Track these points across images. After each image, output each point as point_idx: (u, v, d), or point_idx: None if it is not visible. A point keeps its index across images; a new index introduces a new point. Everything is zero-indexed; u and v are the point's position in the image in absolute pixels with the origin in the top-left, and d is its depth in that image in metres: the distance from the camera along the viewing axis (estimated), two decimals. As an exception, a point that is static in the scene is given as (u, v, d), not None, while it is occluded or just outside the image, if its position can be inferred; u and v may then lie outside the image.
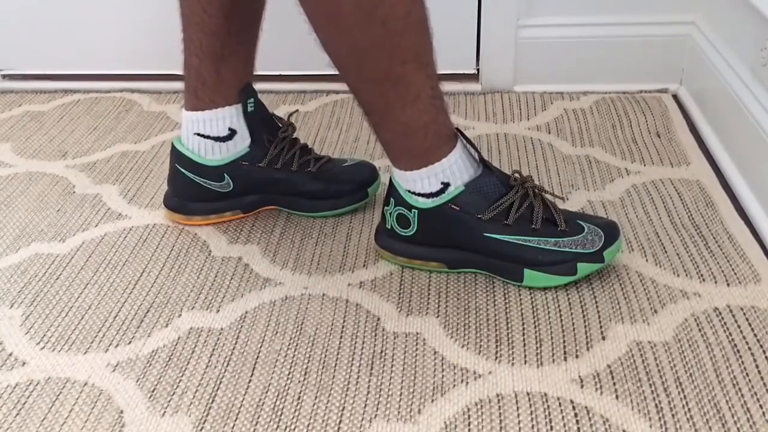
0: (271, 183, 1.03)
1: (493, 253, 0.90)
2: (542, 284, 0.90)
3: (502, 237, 0.89)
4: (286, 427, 0.75)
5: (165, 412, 0.77)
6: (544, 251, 0.89)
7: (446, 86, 1.43)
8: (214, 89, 0.99)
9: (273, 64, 1.44)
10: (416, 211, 0.91)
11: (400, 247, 0.94)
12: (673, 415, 0.74)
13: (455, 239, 0.91)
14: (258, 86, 1.43)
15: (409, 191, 0.91)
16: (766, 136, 1.02)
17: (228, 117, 0.99)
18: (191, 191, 1.03)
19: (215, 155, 1.01)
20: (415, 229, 0.92)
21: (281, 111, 1.36)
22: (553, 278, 0.89)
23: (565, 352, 0.82)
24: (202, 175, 1.01)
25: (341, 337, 0.85)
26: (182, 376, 0.81)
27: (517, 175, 0.90)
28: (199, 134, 1.00)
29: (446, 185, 0.89)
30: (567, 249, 0.89)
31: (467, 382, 0.79)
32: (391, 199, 0.93)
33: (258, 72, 1.44)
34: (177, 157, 1.02)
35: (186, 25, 0.99)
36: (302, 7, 0.80)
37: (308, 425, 0.75)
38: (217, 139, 1.00)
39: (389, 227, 0.94)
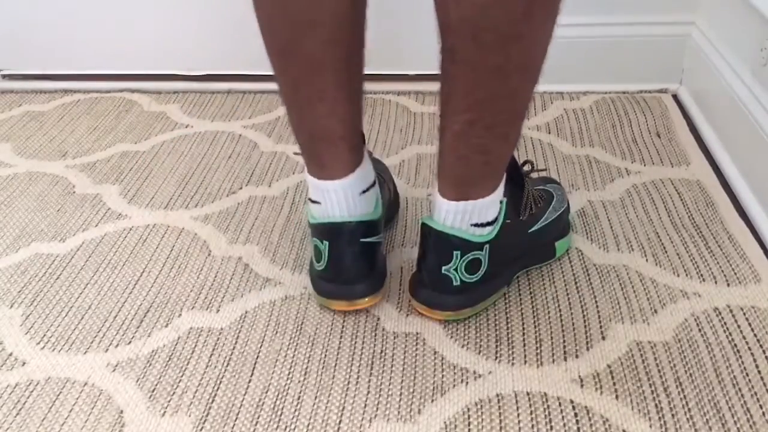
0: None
1: (536, 244, 0.92)
2: (565, 248, 0.97)
3: (538, 226, 0.91)
4: (286, 427, 0.75)
5: (165, 412, 0.77)
6: (556, 219, 0.94)
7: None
8: None
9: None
10: (487, 245, 0.82)
11: (476, 294, 0.85)
12: (673, 415, 0.74)
13: (512, 253, 0.88)
14: (258, 86, 1.44)
15: (474, 225, 0.82)
16: (766, 136, 1.02)
17: None
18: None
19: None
20: (485, 268, 0.83)
21: (282, 111, 1.36)
22: (568, 237, 0.97)
23: (565, 352, 0.82)
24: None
25: (341, 337, 0.85)
26: (182, 376, 0.81)
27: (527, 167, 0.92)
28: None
29: (501, 202, 0.84)
30: (561, 209, 0.95)
31: (467, 382, 0.79)
32: (454, 253, 0.81)
33: (258, 72, 1.45)
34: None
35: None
36: (509, 61, 0.72)
37: (308, 425, 0.75)
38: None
39: (458, 284, 0.83)
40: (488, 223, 0.83)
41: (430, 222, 0.82)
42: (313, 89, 0.79)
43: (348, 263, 0.84)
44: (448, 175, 0.81)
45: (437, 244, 0.82)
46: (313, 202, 0.86)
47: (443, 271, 0.82)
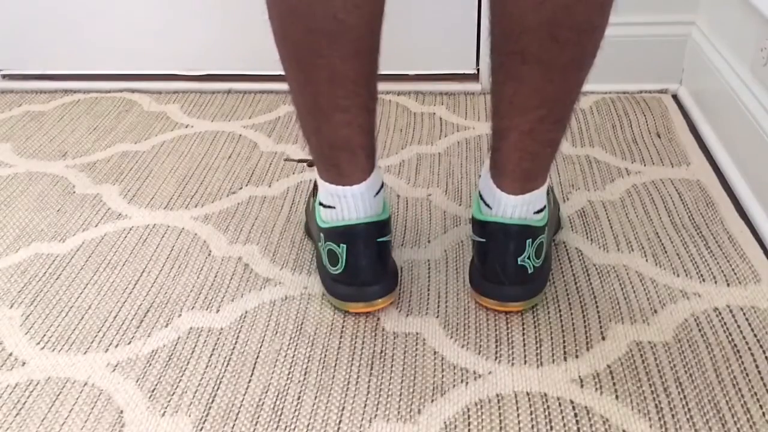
0: None
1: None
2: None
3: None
4: (286, 427, 0.75)
5: (165, 412, 0.77)
6: (552, 215, 0.94)
7: (446, 86, 1.44)
8: None
9: (273, 64, 1.44)
10: (546, 227, 0.85)
11: (543, 275, 0.87)
12: (673, 415, 0.74)
13: (552, 236, 0.93)
14: (258, 86, 1.44)
15: (535, 212, 0.84)
16: (766, 136, 1.02)
17: None
18: None
19: None
20: (546, 248, 0.86)
21: (282, 111, 1.36)
22: (560, 233, 1.00)
23: (565, 352, 0.82)
24: None
25: (341, 337, 0.85)
26: (182, 376, 0.81)
27: None
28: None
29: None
30: (554, 205, 0.97)
31: (467, 382, 0.79)
32: (527, 242, 0.83)
33: (258, 72, 1.45)
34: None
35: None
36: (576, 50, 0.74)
37: (308, 425, 0.75)
38: None
39: (532, 271, 0.84)
40: (543, 207, 0.85)
41: (498, 219, 0.83)
42: (334, 100, 0.78)
43: (366, 265, 0.84)
44: (514, 171, 0.82)
45: (510, 238, 0.83)
46: (326, 206, 0.86)
47: (519, 263, 0.83)
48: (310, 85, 0.78)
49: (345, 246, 0.84)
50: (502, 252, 0.84)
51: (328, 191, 0.85)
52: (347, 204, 0.84)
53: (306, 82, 0.78)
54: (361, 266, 0.84)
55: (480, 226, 0.85)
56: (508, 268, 0.84)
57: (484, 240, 0.85)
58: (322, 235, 0.86)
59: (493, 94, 0.80)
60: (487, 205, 0.85)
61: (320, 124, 0.81)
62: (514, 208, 0.83)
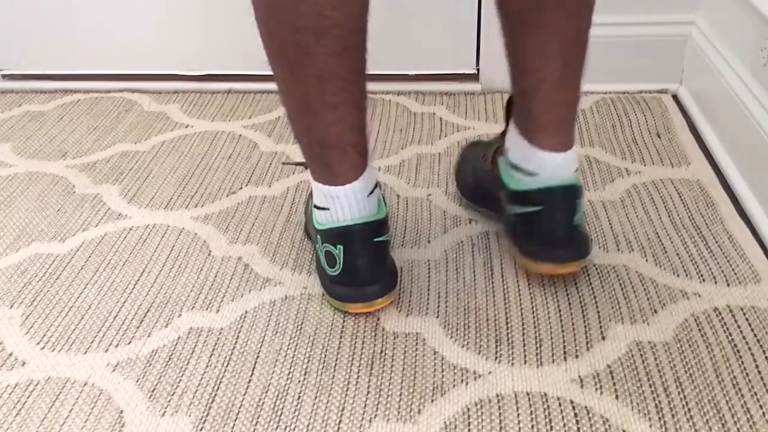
0: None
1: None
2: None
3: None
4: (286, 427, 0.75)
5: (165, 412, 0.77)
6: None
7: (446, 86, 1.44)
8: None
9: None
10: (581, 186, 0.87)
11: (589, 243, 0.88)
12: (673, 415, 0.74)
13: None
14: (258, 86, 1.44)
15: (574, 171, 0.87)
16: (766, 136, 1.02)
17: None
18: None
19: None
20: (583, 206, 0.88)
21: (282, 110, 1.36)
22: None
23: (565, 352, 0.82)
24: None
25: (341, 337, 0.85)
26: (182, 376, 0.81)
27: None
28: None
29: None
30: None
31: (467, 382, 0.79)
32: (577, 202, 0.85)
33: (258, 72, 1.45)
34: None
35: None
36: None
37: (308, 425, 0.75)
38: None
39: (582, 229, 0.86)
40: (577, 168, 0.88)
41: (551, 182, 0.84)
42: (323, 98, 0.78)
43: (363, 265, 0.84)
44: (552, 124, 0.84)
45: (567, 198, 0.85)
46: (320, 208, 0.86)
47: (574, 223, 0.85)
48: (299, 83, 0.78)
49: (342, 247, 0.84)
50: (559, 214, 0.85)
51: (321, 192, 0.85)
52: (341, 204, 0.84)
53: (294, 81, 0.78)
54: (359, 266, 0.84)
55: (529, 196, 0.86)
56: (565, 230, 0.85)
57: (538, 207, 0.85)
58: (319, 236, 0.86)
59: (516, 54, 0.83)
60: (530, 174, 0.86)
61: (310, 122, 0.81)
62: (561, 167, 0.85)
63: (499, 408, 0.76)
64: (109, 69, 1.47)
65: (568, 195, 0.85)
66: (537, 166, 0.85)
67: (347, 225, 0.84)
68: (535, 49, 0.81)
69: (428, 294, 0.91)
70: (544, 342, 0.84)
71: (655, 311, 0.87)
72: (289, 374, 0.81)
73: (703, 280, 0.92)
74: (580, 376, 0.79)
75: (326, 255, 0.86)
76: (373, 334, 0.85)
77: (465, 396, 0.77)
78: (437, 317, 0.87)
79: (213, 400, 0.78)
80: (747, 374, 0.78)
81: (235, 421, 0.75)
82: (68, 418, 0.76)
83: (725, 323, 0.85)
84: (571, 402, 0.76)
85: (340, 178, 0.83)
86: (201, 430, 0.75)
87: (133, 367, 0.82)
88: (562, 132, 0.85)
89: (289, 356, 0.83)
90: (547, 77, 0.82)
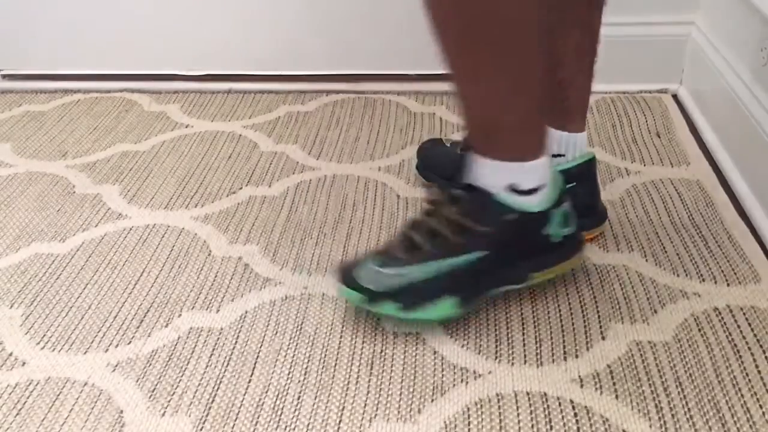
0: None
1: None
2: None
3: None
4: (286, 426, 0.75)
5: (165, 412, 0.77)
6: None
7: (446, 86, 1.44)
8: None
9: (273, 64, 1.44)
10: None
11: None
12: (673, 415, 0.74)
13: None
14: (258, 86, 1.44)
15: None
16: (766, 136, 1.02)
17: None
18: None
19: None
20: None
21: (282, 110, 1.36)
22: None
23: (564, 352, 0.82)
24: None
25: (341, 337, 0.85)
26: (182, 376, 0.81)
27: None
28: None
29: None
30: None
31: (467, 382, 0.79)
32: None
33: (258, 72, 1.45)
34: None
35: None
36: None
37: (308, 425, 0.75)
38: None
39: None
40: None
41: (581, 159, 0.94)
42: (538, 61, 0.79)
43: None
44: (582, 110, 0.96)
45: (595, 170, 0.96)
46: (527, 192, 0.83)
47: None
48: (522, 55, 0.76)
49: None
50: (590, 186, 0.96)
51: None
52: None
53: (518, 54, 0.76)
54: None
55: (577, 169, 0.94)
56: (592, 199, 0.96)
57: (571, 185, 0.89)
58: (555, 198, 0.85)
59: (556, 52, 0.90)
60: (556, 156, 0.93)
61: (530, 87, 0.79)
62: (583, 144, 0.95)
63: (499, 408, 0.76)
64: (109, 69, 1.47)
65: (594, 166, 0.96)
66: (564, 147, 0.94)
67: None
68: (577, 44, 0.90)
69: (428, 294, 0.91)
70: (544, 342, 0.84)
71: (655, 311, 0.87)
72: (289, 374, 0.81)
73: (703, 280, 0.92)
74: (580, 376, 0.79)
75: (563, 215, 0.86)
76: (373, 334, 0.85)
77: (465, 396, 0.77)
78: (437, 317, 0.87)
79: (213, 400, 0.78)
80: (747, 374, 0.78)
81: (235, 421, 0.75)
82: (68, 418, 0.76)
83: (725, 323, 0.85)
84: (571, 402, 0.76)
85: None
86: (201, 430, 0.75)
87: (133, 367, 0.82)
88: (585, 115, 0.96)
89: (289, 356, 0.83)
90: (582, 69, 0.92)
